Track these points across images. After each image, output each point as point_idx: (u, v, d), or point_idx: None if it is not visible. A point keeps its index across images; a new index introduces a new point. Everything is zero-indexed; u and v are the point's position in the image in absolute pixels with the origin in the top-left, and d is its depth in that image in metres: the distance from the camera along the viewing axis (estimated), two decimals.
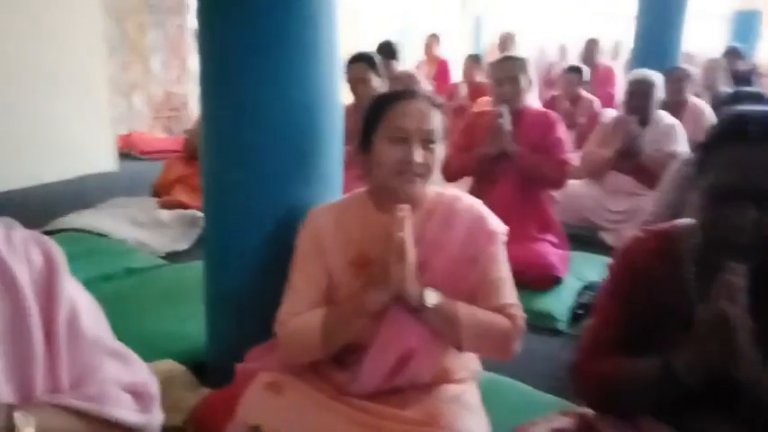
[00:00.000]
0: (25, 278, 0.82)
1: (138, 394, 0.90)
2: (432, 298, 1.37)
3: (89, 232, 3.21)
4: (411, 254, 1.35)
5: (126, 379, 0.89)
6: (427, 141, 1.44)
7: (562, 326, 2.48)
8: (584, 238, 3.38)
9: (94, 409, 0.83)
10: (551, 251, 2.72)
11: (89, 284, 2.46)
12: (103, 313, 0.93)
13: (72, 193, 4.41)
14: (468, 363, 1.57)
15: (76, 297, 0.88)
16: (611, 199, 3.50)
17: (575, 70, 4.97)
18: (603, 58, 6.63)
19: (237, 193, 1.69)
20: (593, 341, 1.30)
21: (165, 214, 3.47)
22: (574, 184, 3.47)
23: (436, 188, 1.56)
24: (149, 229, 3.35)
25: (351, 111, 3.09)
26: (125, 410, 0.87)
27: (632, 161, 3.39)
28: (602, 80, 5.82)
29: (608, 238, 3.42)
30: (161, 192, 3.90)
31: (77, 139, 4.94)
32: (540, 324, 2.45)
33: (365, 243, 1.48)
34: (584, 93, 4.96)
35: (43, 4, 4.60)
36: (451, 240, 1.47)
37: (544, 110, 3.01)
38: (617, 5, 8.63)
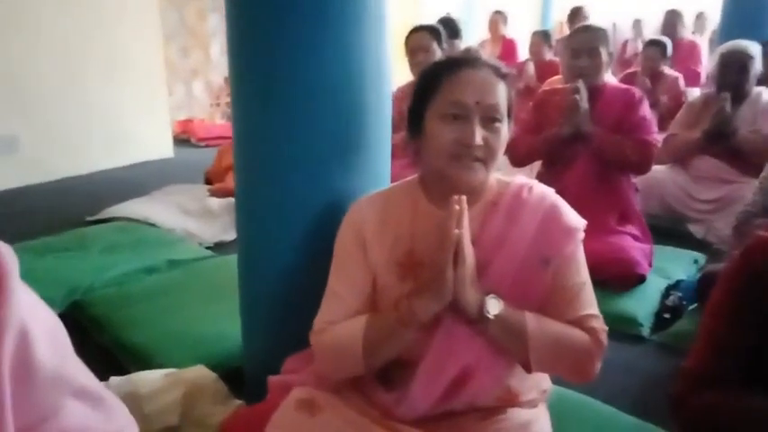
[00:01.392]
0: None
1: None
2: (493, 307, 1.15)
3: (139, 222, 3.17)
4: (469, 254, 1.14)
5: (96, 426, 0.69)
6: (490, 119, 1.19)
7: (645, 332, 2.19)
8: (668, 231, 3.06)
9: None
10: (633, 245, 2.42)
11: (132, 277, 2.41)
12: (66, 336, 0.73)
13: (128, 180, 4.43)
14: (538, 382, 1.33)
15: (30, 317, 0.68)
16: (698, 187, 3.15)
17: (656, 44, 4.55)
18: (686, 33, 6.12)
19: (271, 186, 1.49)
20: (702, 367, 1.05)
21: (215, 203, 3.40)
22: (656, 170, 3.13)
23: (501, 176, 1.31)
24: (198, 219, 3.28)
25: (406, 92, 2.87)
26: None
27: (724, 144, 3.03)
28: (686, 56, 5.35)
29: (696, 230, 3.09)
30: (213, 179, 3.83)
31: (134, 125, 4.97)
32: (619, 329, 2.16)
33: (415, 240, 1.27)
34: (666, 69, 4.54)
35: None
36: (519, 238, 1.23)
37: (626, 86, 2.69)
38: None
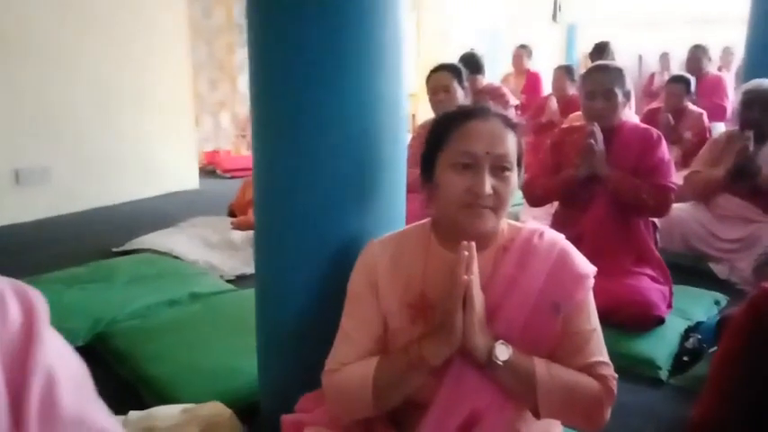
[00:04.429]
0: None
1: None
2: (503, 353, 1.17)
3: (163, 254, 3.24)
4: (478, 300, 1.17)
5: None
6: (500, 168, 1.22)
7: (664, 375, 2.15)
8: (689, 270, 3.03)
9: None
10: (651, 286, 2.39)
11: (154, 309, 2.47)
12: (90, 382, 0.77)
13: (155, 211, 4.53)
14: (547, 428, 1.32)
15: (56, 363, 0.72)
16: (721, 225, 3.11)
17: (679, 80, 4.55)
18: (711, 67, 6.10)
19: (287, 225, 1.53)
20: (709, 416, 1.05)
21: (238, 235, 3.46)
22: (678, 208, 3.11)
23: (512, 222, 1.34)
24: (221, 251, 3.34)
25: (423, 133, 2.91)
26: None
27: (747, 182, 3.01)
28: (711, 91, 5.32)
29: (718, 270, 3.04)
30: (236, 212, 3.90)
31: (162, 157, 5.09)
32: (636, 372, 2.15)
33: (426, 283, 1.29)
34: (690, 105, 4.52)
35: (134, 26, 4.78)
36: (529, 283, 1.25)
37: (645, 126, 2.67)
38: (725, 9, 7.97)
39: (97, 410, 0.77)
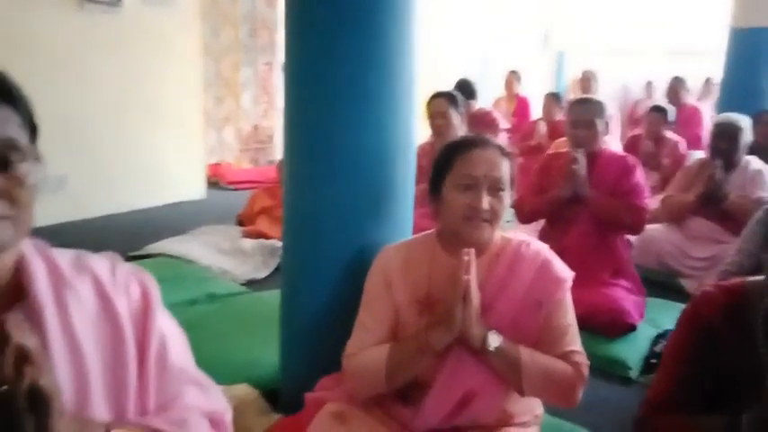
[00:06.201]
0: (124, 311, 0.91)
1: (214, 422, 0.98)
2: (494, 341, 1.40)
3: (178, 258, 3.44)
4: (475, 297, 1.39)
5: (205, 407, 0.97)
6: (495, 189, 1.47)
7: (634, 374, 2.42)
8: (662, 284, 3.29)
9: None
10: (624, 297, 2.66)
11: (175, 308, 2.63)
12: (188, 343, 1.03)
13: (164, 219, 4.71)
14: (531, 407, 1.57)
15: (167, 329, 0.97)
16: (692, 245, 3.38)
17: (658, 110, 4.86)
18: (691, 97, 6.45)
19: (313, 231, 1.79)
20: (657, 397, 1.29)
21: (248, 243, 3.66)
22: (653, 228, 3.39)
23: (504, 233, 1.59)
24: (232, 257, 3.53)
25: (427, 150, 3.19)
26: None
27: (716, 206, 3.28)
28: (688, 120, 5.65)
29: (688, 285, 3.30)
30: (245, 221, 4.12)
31: (171, 168, 5.29)
32: (611, 371, 2.41)
33: (432, 283, 1.52)
34: (668, 134, 4.83)
35: (151, 45, 5.01)
36: (517, 284, 1.49)
37: (622, 153, 2.97)
38: (706, 42, 8.36)
39: (193, 365, 1.02)
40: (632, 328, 2.59)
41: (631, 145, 4.89)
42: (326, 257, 1.79)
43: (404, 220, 1.87)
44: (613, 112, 6.11)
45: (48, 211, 4.29)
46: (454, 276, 1.38)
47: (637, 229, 2.79)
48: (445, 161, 1.53)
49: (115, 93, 4.81)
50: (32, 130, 0.85)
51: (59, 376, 0.78)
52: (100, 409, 0.85)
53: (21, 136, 0.81)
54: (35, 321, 0.80)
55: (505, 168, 1.50)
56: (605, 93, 6.58)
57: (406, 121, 1.82)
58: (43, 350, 0.75)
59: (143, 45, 4.94)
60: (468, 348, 1.42)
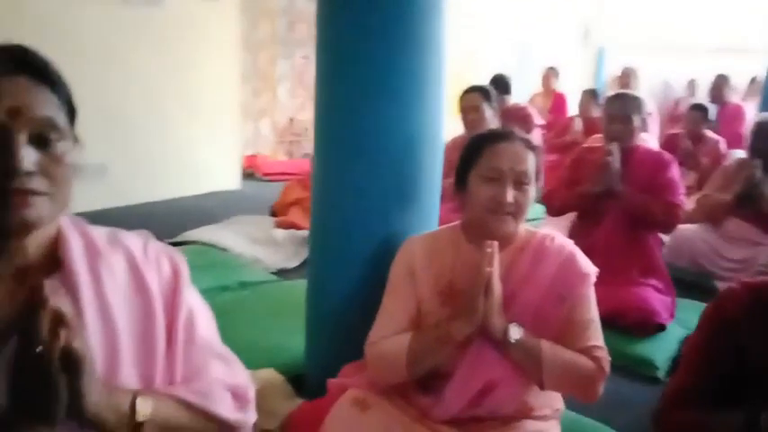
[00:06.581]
0: (155, 285, 0.96)
1: (237, 395, 1.01)
2: (515, 333, 1.41)
3: (212, 246, 3.52)
4: (497, 288, 1.40)
5: (228, 380, 1.01)
6: (520, 182, 1.48)
7: (661, 375, 2.40)
8: (695, 285, 3.24)
9: (200, 404, 0.94)
10: (654, 296, 2.63)
11: (208, 293, 2.72)
12: (214, 320, 1.07)
13: (200, 208, 4.82)
14: (551, 400, 1.57)
15: (194, 305, 1.02)
16: (727, 246, 3.32)
17: (698, 108, 4.76)
18: (736, 96, 6.28)
19: (340, 221, 1.83)
20: (676, 391, 1.29)
21: (280, 233, 3.73)
22: (688, 228, 3.34)
23: (528, 227, 1.60)
24: (264, 247, 3.60)
25: (458, 143, 3.18)
26: (225, 408, 0.98)
27: (753, 207, 3.22)
28: (731, 119, 5.52)
29: (722, 286, 3.20)
30: (278, 212, 4.19)
31: (208, 159, 5.41)
32: (637, 370, 2.39)
33: (455, 274, 1.54)
34: (708, 132, 4.73)
35: (190, 37, 5.13)
36: (540, 277, 1.50)
37: (657, 150, 2.93)
38: (755, 40, 8.13)
39: (218, 340, 1.07)
40: (662, 328, 2.56)
41: (669, 143, 4.80)
42: (352, 247, 1.82)
43: (430, 211, 1.88)
44: (653, 110, 6.00)
45: (89, 198, 4.42)
46: (477, 268, 1.39)
47: (670, 227, 2.75)
48: (471, 153, 1.55)
49: (155, 84, 4.93)
50: (71, 111, 0.89)
51: (91, 343, 0.82)
52: (129, 377, 0.89)
53: (59, 116, 0.85)
54: (70, 290, 0.85)
55: (531, 162, 1.51)
56: (646, 90, 6.46)
57: (434, 113, 1.84)
58: (77, 317, 0.79)
59: (183, 38, 5.06)
60: (489, 340, 1.43)
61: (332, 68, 1.82)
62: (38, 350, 0.72)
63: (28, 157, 0.79)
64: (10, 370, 0.76)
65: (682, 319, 2.70)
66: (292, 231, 3.74)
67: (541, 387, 1.47)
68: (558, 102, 6.66)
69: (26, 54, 0.85)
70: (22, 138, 0.79)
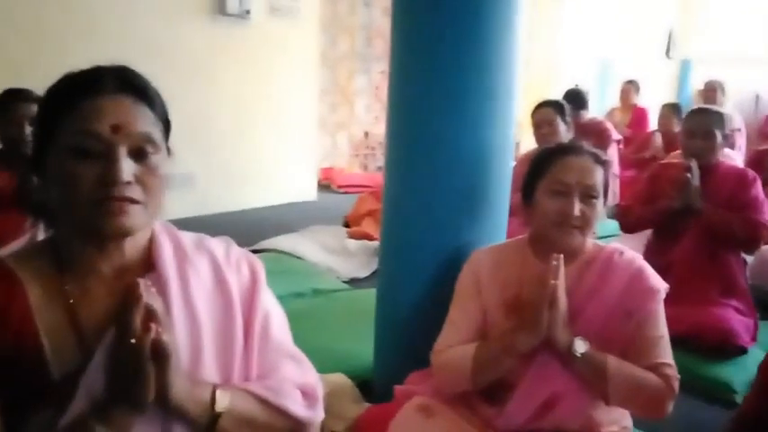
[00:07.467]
0: (235, 287, 1.03)
1: (306, 393, 1.07)
2: (580, 347, 1.40)
3: (288, 254, 3.66)
4: (563, 302, 1.40)
5: (299, 379, 1.07)
6: (587, 196, 1.48)
7: (739, 399, 2.28)
8: None
9: (273, 399, 1.00)
10: (734, 317, 2.52)
11: (283, 299, 2.80)
12: (288, 323, 1.14)
13: (278, 218, 4.99)
14: (619, 417, 1.55)
15: (270, 307, 1.09)
16: None
17: None
18: None
19: (410, 232, 1.88)
20: (747, 410, 1.27)
21: (353, 244, 3.84)
22: None
23: (597, 241, 1.59)
24: (337, 256, 3.72)
25: (527, 159, 3.17)
26: (295, 404, 1.04)
27: None
28: None
29: None
30: (351, 223, 4.30)
31: (287, 170, 5.62)
32: (715, 394, 2.31)
33: (521, 287, 1.55)
34: None
35: (273, 52, 5.35)
36: (608, 292, 1.49)
37: (741, 167, 2.82)
38: None
39: (290, 341, 1.14)
40: (743, 350, 2.45)
41: (756, 160, 4.55)
42: (421, 258, 1.87)
43: (498, 223, 1.91)
44: (740, 125, 5.73)
45: (177, 206, 4.68)
46: (542, 281, 1.40)
47: (753, 246, 2.63)
48: (539, 167, 1.56)
49: (239, 98, 5.17)
50: (166, 126, 0.98)
51: (178, 338, 0.91)
52: (210, 371, 0.97)
53: (155, 132, 0.94)
54: (160, 290, 0.93)
55: (599, 176, 1.51)
56: (734, 104, 6.16)
57: (505, 128, 1.87)
58: (166, 313, 0.88)
59: (266, 53, 5.29)
60: (554, 353, 1.43)
61: (403, 84, 1.88)
62: (131, 341, 0.81)
63: (128, 168, 0.88)
64: (109, 357, 0.86)
65: (765, 343, 2.58)
66: (364, 242, 3.83)
67: (607, 402, 1.46)
68: (638, 116, 6.45)
69: (128, 75, 0.94)
70: (123, 151, 0.88)
